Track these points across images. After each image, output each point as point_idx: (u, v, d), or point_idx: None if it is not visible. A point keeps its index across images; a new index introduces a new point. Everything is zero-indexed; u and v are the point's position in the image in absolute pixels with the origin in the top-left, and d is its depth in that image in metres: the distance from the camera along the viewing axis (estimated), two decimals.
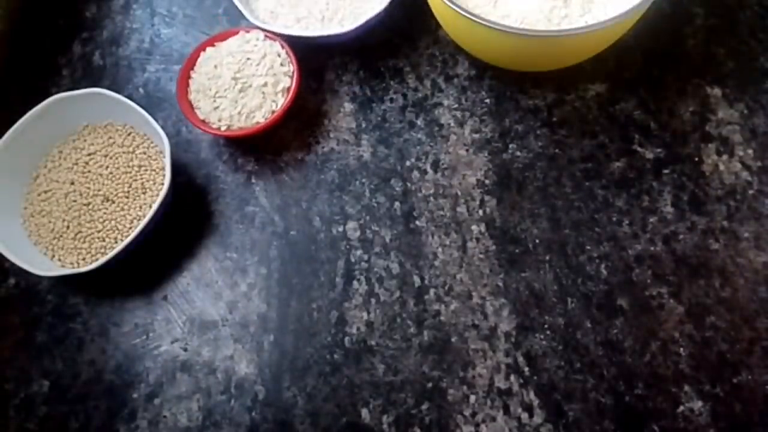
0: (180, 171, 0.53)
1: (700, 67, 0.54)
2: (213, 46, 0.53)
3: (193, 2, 0.62)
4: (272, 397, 0.44)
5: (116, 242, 0.47)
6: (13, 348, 0.47)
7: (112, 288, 0.49)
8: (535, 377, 0.43)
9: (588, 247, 0.47)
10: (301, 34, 0.52)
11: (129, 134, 0.51)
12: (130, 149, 0.51)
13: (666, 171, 0.50)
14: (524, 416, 0.42)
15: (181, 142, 0.54)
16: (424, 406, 0.43)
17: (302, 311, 0.47)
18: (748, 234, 0.47)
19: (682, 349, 0.43)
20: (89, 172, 0.50)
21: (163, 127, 0.55)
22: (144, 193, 0.49)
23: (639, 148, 0.51)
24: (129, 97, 0.57)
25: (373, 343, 0.45)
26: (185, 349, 0.46)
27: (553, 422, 0.42)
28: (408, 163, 0.52)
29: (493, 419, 0.42)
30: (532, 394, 0.43)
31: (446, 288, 0.47)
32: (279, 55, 0.52)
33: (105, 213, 0.48)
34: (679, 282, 0.46)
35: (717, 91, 0.53)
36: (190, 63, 0.53)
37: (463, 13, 0.45)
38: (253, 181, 0.52)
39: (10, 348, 0.47)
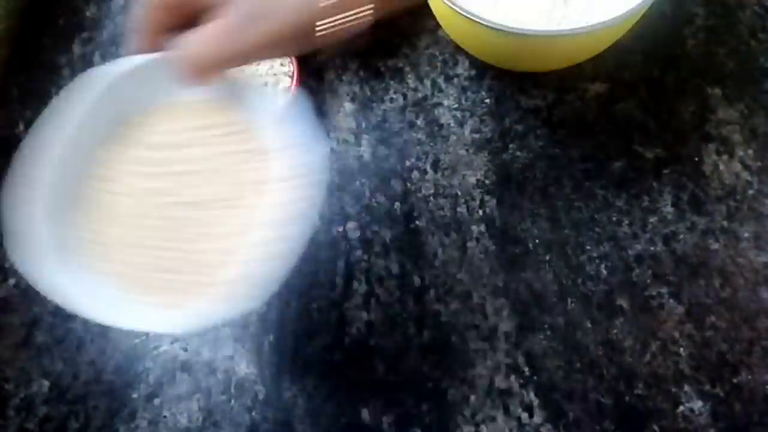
0: None
1: (700, 67, 0.54)
2: None
3: None
4: (272, 397, 0.44)
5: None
6: (13, 348, 0.47)
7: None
8: (535, 377, 0.43)
9: (588, 247, 0.47)
10: None
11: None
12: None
13: (666, 171, 0.50)
14: (524, 416, 0.42)
15: None
16: (424, 406, 0.43)
17: (302, 311, 0.47)
18: (748, 234, 0.47)
19: (682, 349, 0.43)
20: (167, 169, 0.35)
21: None
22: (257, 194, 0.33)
23: (639, 148, 0.51)
24: None
25: (373, 343, 0.45)
26: (185, 349, 0.46)
27: (553, 422, 0.42)
28: (408, 163, 0.52)
29: (493, 419, 0.42)
30: (532, 394, 0.43)
31: (446, 288, 0.47)
32: None
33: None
34: (679, 282, 0.46)
35: (717, 91, 0.53)
36: None
37: (463, 13, 0.45)
38: None
39: (10, 348, 0.47)
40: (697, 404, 0.42)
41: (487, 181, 0.50)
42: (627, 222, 0.48)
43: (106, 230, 0.34)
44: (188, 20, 0.34)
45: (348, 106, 0.55)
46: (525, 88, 0.54)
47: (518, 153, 0.51)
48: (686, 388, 0.42)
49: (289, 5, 0.31)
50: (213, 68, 0.33)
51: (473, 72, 0.55)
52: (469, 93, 0.55)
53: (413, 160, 0.52)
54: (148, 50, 0.35)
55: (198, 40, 0.32)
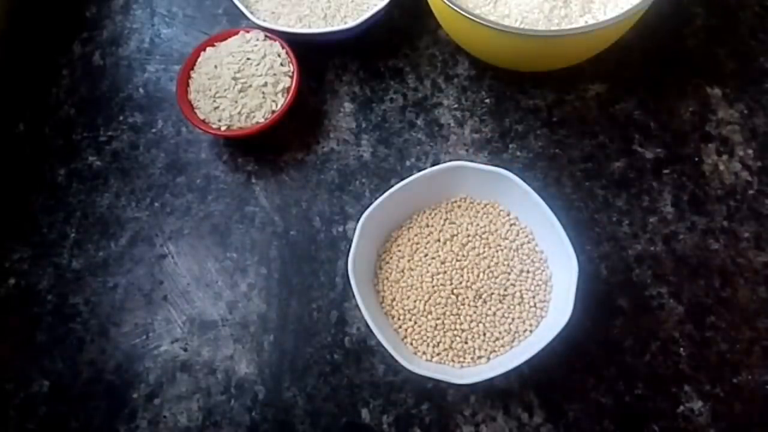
0: (180, 171, 0.53)
1: (700, 67, 0.54)
2: (213, 46, 0.53)
3: (193, 2, 0.62)
4: (272, 397, 0.44)
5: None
6: (13, 348, 0.47)
7: (112, 288, 0.49)
8: (535, 377, 0.43)
9: (588, 247, 0.47)
10: (304, 32, 0.53)
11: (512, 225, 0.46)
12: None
13: (666, 171, 0.50)
14: (524, 416, 0.42)
15: (181, 142, 0.54)
16: (424, 406, 0.43)
17: (302, 311, 0.47)
18: (748, 234, 0.47)
19: (682, 349, 0.43)
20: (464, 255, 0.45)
21: (163, 127, 0.55)
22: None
23: (639, 148, 0.51)
24: (129, 97, 0.58)
25: (373, 343, 0.45)
26: (185, 349, 0.46)
27: (553, 422, 0.42)
28: (408, 163, 0.52)
29: (493, 419, 0.42)
30: (532, 394, 0.43)
31: None
32: (279, 55, 0.52)
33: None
34: (679, 282, 0.46)
35: (717, 91, 0.53)
36: (190, 63, 0.53)
37: (463, 13, 0.45)
38: (253, 181, 0.52)
39: (10, 348, 0.47)
40: (697, 404, 0.42)
41: None
42: (627, 222, 0.48)
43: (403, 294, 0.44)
44: None
45: (348, 106, 0.55)
46: (525, 88, 0.54)
47: (518, 153, 0.51)
48: (686, 388, 0.42)
49: None
50: None
51: (473, 72, 0.55)
52: (469, 93, 0.55)
53: (413, 160, 0.52)
54: None
55: None
